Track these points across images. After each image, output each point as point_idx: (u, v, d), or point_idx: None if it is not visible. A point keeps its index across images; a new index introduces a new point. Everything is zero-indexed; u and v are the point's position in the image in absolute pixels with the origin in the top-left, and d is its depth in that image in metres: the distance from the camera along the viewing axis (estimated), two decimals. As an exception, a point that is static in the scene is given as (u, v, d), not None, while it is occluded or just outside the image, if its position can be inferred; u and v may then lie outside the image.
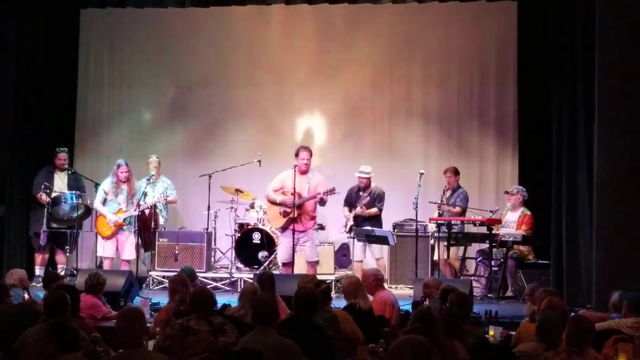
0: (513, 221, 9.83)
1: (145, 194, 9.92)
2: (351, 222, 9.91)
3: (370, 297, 7.02)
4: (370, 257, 9.92)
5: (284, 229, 9.42)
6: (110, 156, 11.58)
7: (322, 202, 9.37)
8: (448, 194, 10.08)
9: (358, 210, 9.88)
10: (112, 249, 9.72)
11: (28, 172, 10.49)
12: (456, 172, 10.14)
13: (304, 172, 9.35)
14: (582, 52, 8.72)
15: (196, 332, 5.14)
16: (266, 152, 10.79)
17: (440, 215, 9.93)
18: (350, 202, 10.10)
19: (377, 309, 6.77)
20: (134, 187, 9.85)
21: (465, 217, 9.90)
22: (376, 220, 9.99)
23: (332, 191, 9.26)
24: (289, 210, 9.27)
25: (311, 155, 9.42)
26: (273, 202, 9.48)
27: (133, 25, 11.90)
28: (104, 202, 9.75)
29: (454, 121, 11.55)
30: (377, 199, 9.96)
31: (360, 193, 10.04)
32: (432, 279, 7.75)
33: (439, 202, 9.94)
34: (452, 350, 4.76)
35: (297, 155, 9.39)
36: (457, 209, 9.91)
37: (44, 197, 10.09)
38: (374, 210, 9.91)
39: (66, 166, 10.36)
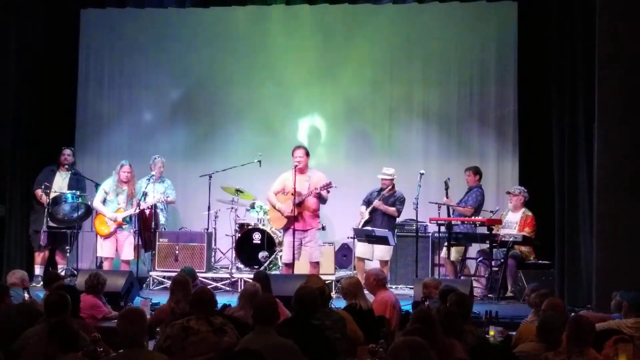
0: (514, 222, 9.83)
1: (145, 194, 9.91)
2: (366, 217, 9.80)
3: (372, 297, 7.03)
4: (375, 259, 9.85)
5: (286, 228, 9.41)
6: (110, 156, 11.61)
7: (322, 199, 9.32)
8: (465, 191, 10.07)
9: (376, 203, 9.78)
10: (111, 248, 9.72)
11: (28, 172, 10.49)
12: (476, 173, 10.09)
13: (302, 171, 9.33)
14: (582, 52, 8.72)
15: (197, 332, 5.15)
16: (266, 152, 10.78)
17: (448, 214, 9.87)
18: (371, 200, 9.95)
19: (378, 309, 6.76)
20: (135, 189, 9.86)
21: (466, 218, 9.88)
22: (391, 220, 9.90)
23: (328, 185, 9.20)
24: (288, 214, 9.25)
25: (306, 154, 9.36)
26: (273, 206, 9.49)
27: (133, 25, 11.89)
28: (104, 201, 9.76)
29: (454, 121, 11.55)
30: (398, 200, 9.86)
31: (383, 193, 9.96)
32: (431, 280, 7.76)
33: (445, 200, 9.88)
34: (452, 351, 4.75)
35: (293, 154, 9.39)
36: (468, 208, 9.87)
37: (43, 197, 10.09)
38: (392, 208, 9.81)
39: (67, 165, 10.34)
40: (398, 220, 10.63)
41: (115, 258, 9.83)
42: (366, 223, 9.82)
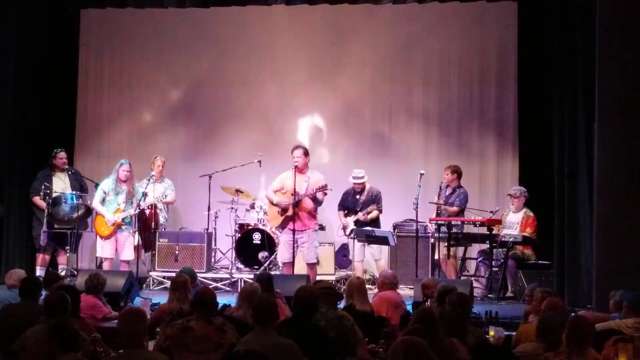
0: (516, 222, 9.82)
1: (145, 194, 9.90)
2: (352, 227, 9.86)
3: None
4: (369, 258, 9.93)
5: (282, 227, 9.43)
6: (110, 156, 11.60)
7: (317, 201, 9.32)
8: (448, 191, 10.05)
9: (360, 216, 9.82)
10: (111, 249, 9.71)
11: (27, 173, 10.47)
12: (454, 172, 10.05)
13: (302, 171, 9.34)
14: (582, 52, 8.72)
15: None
16: (266, 152, 10.79)
17: (439, 213, 9.91)
18: (347, 206, 10.05)
19: (377, 307, 6.80)
20: (134, 189, 9.83)
21: (466, 218, 9.88)
22: (376, 221, 9.97)
23: (324, 188, 9.21)
24: (285, 209, 9.28)
25: (305, 154, 9.36)
26: (271, 202, 9.52)
27: (133, 25, 11.90)
28: (103, 201, 9.74)
29: (454, 121, 11.54)
30: (376, 200, 9.92)
31: (357, 197, 10.00)
32: (431, 280, 7.78)
33: (436, 200, 9.91)
34: (453, 351, 4.75)
35: (292, 154, 9.40)
36: (455, 208, 9.88)
37: (40, 202, 10.01)
38: (375, 213, 9.86)
39: (67, 166, 10.33)
40: (398, 220, 10.66)
41: (115, 258, 9.83)
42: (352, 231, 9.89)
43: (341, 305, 6.78)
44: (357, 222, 9.87)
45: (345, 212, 10.06)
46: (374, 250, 9.82)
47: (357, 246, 9.82)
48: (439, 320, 4.91)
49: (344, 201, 10.09)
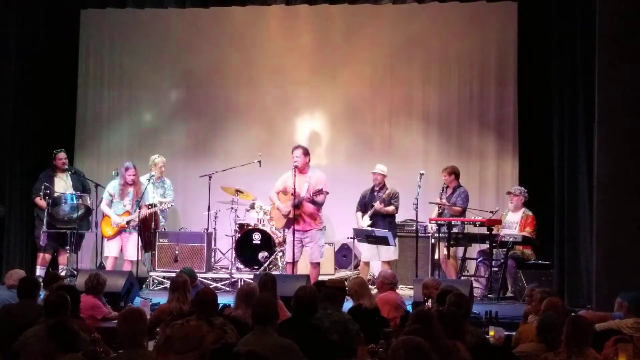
0: (515, 222, 9.82)
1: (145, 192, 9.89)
2: (368, 222, 9.80)
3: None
4: (377, 260, 9.84)
5: (287, 228, 9.44)
6: (110, 156, 11.63)
7: (316, 204, 9.30)
8: (449, 192, 10.04)
9: (377, 205, 9.79)
10: (115, 248, 9.71)
11: (28, 173, 10.48)
12: (451, 173, 10.01)
13: (302, 171, 9.34)
14: (582, 52, 8.72)
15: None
16: (266, 152, 10.80)
17: (440, 213, 9.90)
18: (365, 204, 9.98)
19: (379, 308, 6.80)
20: (141, 191, 9.81)
21: (466, 218, 9.88)
22: (392, 221, 9.93)
23: (319, 192, 9.20)
24: (285, 213, 9.29)
25: (304, 153, 9.34)
26: (273, 204, 9.55)
27: (133, 25, 11.91)
28: (110, 203, 9.73)
29: (454, 121, 11.55)
30: (393, 197, 9.88)
31: (375, 193, 9.97)
32: (431, 280, 7.76)
33: (439, 201, 9.89)
34: (453, 351, 4.75)
35: (292, 154, 9.40)
36: (458, 208, 9.87)
37: (40, 202, 9.99)
38: (391, 208, 9.84)
39: (67, 166, 10.33)
40: (397, 220, 10.63)
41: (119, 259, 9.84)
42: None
43: (348, 304, 6.77)
44: (373, 216, 9.80)
45: (363, 212, 10.00)
46: (382, 252, 9.68)
47: (368, 247, 9.76)
48: (437, 320, 4.90)
49: (362, 200, 10.03)
